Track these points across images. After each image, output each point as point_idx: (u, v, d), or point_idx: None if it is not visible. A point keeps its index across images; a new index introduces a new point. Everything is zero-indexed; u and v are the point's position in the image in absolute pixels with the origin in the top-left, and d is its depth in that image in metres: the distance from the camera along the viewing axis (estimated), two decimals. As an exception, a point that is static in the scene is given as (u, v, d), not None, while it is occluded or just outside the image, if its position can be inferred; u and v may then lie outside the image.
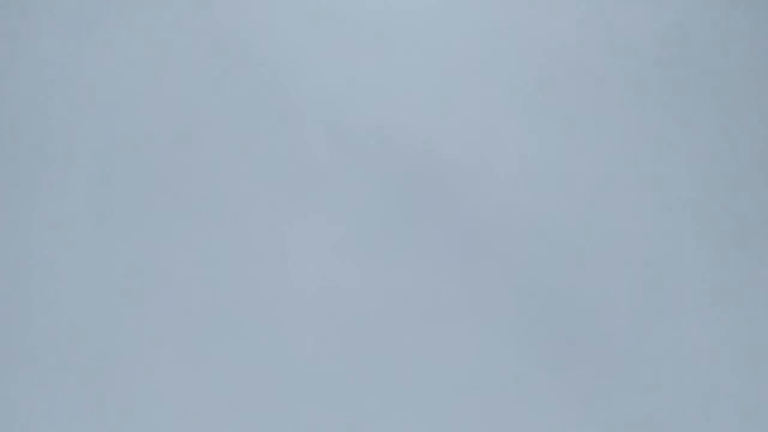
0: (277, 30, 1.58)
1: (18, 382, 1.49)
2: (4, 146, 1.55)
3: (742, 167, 1.54)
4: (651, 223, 1.53)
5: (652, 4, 1.59)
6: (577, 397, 1.48)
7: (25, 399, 1.48)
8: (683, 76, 1.57)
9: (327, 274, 1.51)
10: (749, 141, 1.55)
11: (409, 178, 1.54)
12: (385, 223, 1.52)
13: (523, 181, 1.54)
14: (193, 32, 1.58)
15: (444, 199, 1.53)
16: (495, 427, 1.46)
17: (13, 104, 1.57)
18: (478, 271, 1.51)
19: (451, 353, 1.49)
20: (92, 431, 1.47)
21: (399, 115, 1.56)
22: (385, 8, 1.59)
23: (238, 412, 1.47)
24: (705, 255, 1.51)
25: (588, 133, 1.55)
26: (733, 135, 1.55)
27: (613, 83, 1.57)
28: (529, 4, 1.59)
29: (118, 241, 1.52)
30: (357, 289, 1.51)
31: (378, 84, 1.57)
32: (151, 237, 1.52)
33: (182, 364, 1.48)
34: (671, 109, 1.56)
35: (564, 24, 1.58)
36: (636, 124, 1.56)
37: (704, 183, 1.54)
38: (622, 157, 1.55)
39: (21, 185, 1.55)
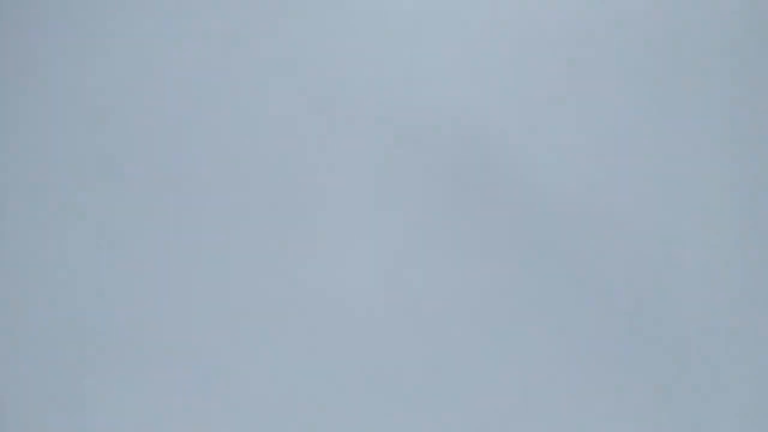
0: (326, 29, 1.57)
1: (20, 379, 1.50)
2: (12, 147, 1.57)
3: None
4: (718, 215, 1.50)
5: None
6: (655, 397, 1.46)
7: (30, 395, 1.49)
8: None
9: (387, 272, 1.50)
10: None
11: (468, 172, 1.52)
12: (445, 219, 1.51)
13: (587, 174, 1.51)
14: (241, 35, 1.58)
15: (505, 193, 1.51)
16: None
17: (14, 104, 1.59)
18: (541, 268, 1.49)
19: (517, 351, 1.48)
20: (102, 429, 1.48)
21: (457, 109, 1.54)
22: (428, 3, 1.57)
23: (307, 413, 1.47)
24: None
25: (651, 126, 1.53)
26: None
27: (672, 70, 1.54)
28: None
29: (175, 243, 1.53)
30: (418, 287, 1.49)
31: (433, 78, 1.55)
32: (227, 242, 1.52)
33: (242, 364, 1.49)
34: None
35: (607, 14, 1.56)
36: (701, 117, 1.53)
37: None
38: (690, 148, 1.52)
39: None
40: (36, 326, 1.52)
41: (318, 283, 1.51)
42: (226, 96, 1.56)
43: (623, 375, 1.46)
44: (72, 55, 1.59)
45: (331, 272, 1.51)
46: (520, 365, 1.48)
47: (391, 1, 1.57)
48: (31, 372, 1.51)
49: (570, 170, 1.52)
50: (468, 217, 1.52)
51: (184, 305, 1.51)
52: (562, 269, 1.49)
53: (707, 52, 1.53)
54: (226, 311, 1.51)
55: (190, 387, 1.49)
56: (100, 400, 1.49)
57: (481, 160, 1.53)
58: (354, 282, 1.51)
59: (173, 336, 1.50)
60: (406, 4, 1.56)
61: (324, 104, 1.55)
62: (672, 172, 1.51)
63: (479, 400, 1.47)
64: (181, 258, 1.52)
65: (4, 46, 1.59)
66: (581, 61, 1.54)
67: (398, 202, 1.52)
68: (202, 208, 1.54)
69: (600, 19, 1.55)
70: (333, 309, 1.50)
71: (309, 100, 1.55)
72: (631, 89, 1.53)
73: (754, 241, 1.49)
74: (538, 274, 1.49)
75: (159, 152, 1.56)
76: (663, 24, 1.54)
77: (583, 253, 1.50)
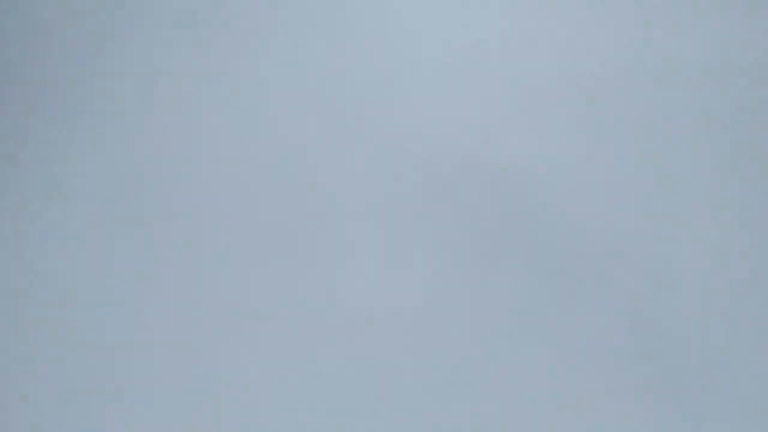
0: (356, 62, 1.58)
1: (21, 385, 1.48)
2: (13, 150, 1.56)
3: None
4: (727, 232, 1.52)
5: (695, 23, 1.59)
6: (655, 399, 1.47)
7: (30, 402, 1.48)
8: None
9: (392, 280, 1.50)
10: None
11: (498, 207, 1.53)
12: (475, 252, 1.51)
13: (614, 204, 1.53)
14: (271, 65, 1.58)
15: (531, 225, 1.52)
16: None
17: (16, 107, 1.58)
18: (541, 274, 1.50)
19: (517, 354, 1.48)
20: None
21: (484, 143, 1.55)
22: (455, 42, 1.59)
23: (311, 418, 1.48)
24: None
25: (665, 145, 1.55)
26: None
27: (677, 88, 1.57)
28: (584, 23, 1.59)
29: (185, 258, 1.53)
30: (421, 293, 1.50)
31: (460, 114, 1.56)
32: (245, 272, 1.52)
33: (243, 368, 1.49)
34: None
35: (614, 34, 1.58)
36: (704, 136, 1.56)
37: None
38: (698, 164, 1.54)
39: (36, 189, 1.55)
40: (37, 330, 1.51)
41: (322, 290, 1.51)
42: (233, 102, 1.57)
43: (623, 377, 1.47)
44: (72, 56, 1.59)
45: (336, 279, 1.51)
46: (521, 369, 1.48)
47: (409, 31, 1.59)
48: (33, 376, 1.50)
49: (570, 179, 1.54)
50: (469, 223, 1.53)
51: (185, 308, 1.51)
52: (561, 274, 1.51)
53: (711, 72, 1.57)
54: (229, 316, 1.51)
55: (190, 390, 1.48)
56: (100, 403, 1.48)
57: (484, 171, 1.55)
58: (359, 289, 1.51)
59: (174, 339, 1.50)
60: (422, 34, 1.59)
61: (341, 131, 1.56)
62: (671, 179, 1.54)
63: (480, 403, 1.47)
64: (183, 262, 1.52)
65: (4, 46, 1.59)
66: (593, 90, 1.57)
67: (401, 212, 1.53)
68: (207, 215, 1.54)
69: (616, 49, 1.58)
70: (336, 317, 1.50)
71: (323, 120, 1.56)
72: (641, 112, 1.56)
73: (753, 243, 1.51)
74: (537, 279, 1.51)
75: (163, 156, 1.56)
76: (675, 52, 1.57)
77: (583, 257, 1.51)
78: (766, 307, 1.49)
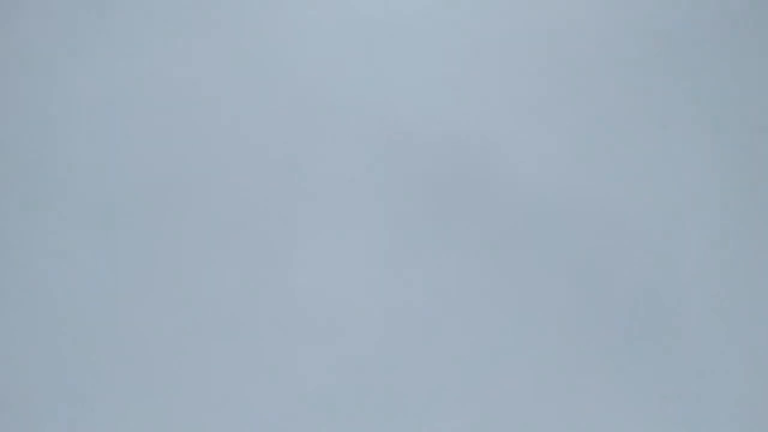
0: (319, 36, 1.58)
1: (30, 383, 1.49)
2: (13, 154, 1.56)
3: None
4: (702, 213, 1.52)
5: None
6: (653, 395, 1.47)
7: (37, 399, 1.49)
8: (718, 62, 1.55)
9: (368, 279, 1.50)
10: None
11: (441, 176, 1.53)
12: (420, 224, 1.52)
13: (572, 178, 1.52)
14: (234, 43, 1.58)
15: (478, 196, 1.52)
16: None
17: (14, 106, 1.58)
18: (519, 268, 1.50)
19: (500, 351, 1.49)
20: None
21: (428, 114, 1.55)
22: (410, 11, 1.58)
23: (299, 416, 1.48)
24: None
25: (620, 127, 1.54)
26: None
27: (653, 72, 1.55)
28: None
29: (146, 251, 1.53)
30: (398, 293, 1.50)
31: (404, 84, 1.56)
32: (199, 255, 1.52)
33: (232, 367, 1.49)
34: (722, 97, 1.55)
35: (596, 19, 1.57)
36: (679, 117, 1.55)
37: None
38: (659, 147, 1.54)
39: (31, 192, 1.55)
40: (36, 329, 1.51)
41: (307, 286, 1.50)
42: (216, 100, 1.56)
43: (621, 374, 1.47)
44: (71, 56, 1.58)
45: (320, 275, 1.51)
46: (517, 365, 1.48)
47: (383, 10, 1.58)
48: (31, 374, 1.50)
49: (562, 170, 1.53)
50: (458, 217, 1.52)
51: (174, 307, 1.50)
52: (557, 269, 1.50)
53: (701, 50, 1.55)
54: (217, 314, 1.50)
55: (184, 390, 1.48)
56: (97, 406, 1.49)
57: (471, 161, 1.54)
58: (344, 285, 1.51)
59: (166, 340, 1.49)
60: (396, 13, 1.57)
61: (312, 110, 1.55)
62: (667, 171, 1.53)
63: (474, 400, 1.47)
64: (171, 261, 1.52)
65: (4, 47, 1.59)
66: (569, 63, 1.55)
67: (387, 205, 1.53)
68: (194, 214, 1.53)
69: (587, 23, 1.56)
70: (322, 312, 1.50)
71: (298, 104, 1.56)
72: (625, 90, 1.55)
73: (752, 239, 1.51)
74: (534, 274, 1.51)
75: (152, 156, 1.55)
76: (655, 23, 1.56)
77: (580, 251, 1.51)
78: (761, 289, 1.48)
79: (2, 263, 1.53)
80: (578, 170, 1.53)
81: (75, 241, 1.53)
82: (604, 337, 1.48)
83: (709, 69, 1.55)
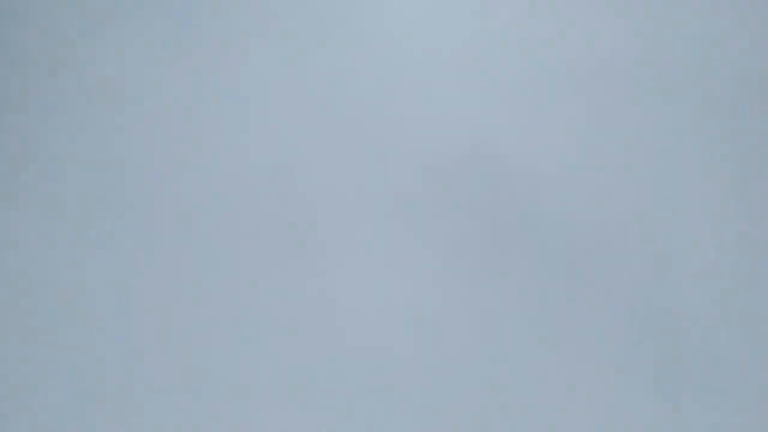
0: (360, 60, 1.57)
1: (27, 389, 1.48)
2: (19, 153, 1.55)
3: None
4: (725, 221, 1.52)
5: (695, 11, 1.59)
6: (655, 395, 1.47)
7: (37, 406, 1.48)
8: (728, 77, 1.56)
9: (420, 302, 1.50)
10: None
11: (498, 203, 1.53)
12: (477, 248, 1.51)
13: (614, 199, 1.53)
14: (262, 60, 1.57)
15: (532, 221, 1.52)
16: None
17: (15, 106, 1.57)
18: (523, 268, 1.50)
19: (503, 350, 1.49)
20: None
21: (486, 139, 1.55)
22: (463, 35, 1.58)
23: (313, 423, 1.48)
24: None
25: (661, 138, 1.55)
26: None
27: (673, 84, 1.56)
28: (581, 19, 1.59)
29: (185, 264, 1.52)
30: (451, 317, 1.50)
31: (463, 110, 1.56)
32: (242, 270, 1.52)
33: (245, 374, 1.49)
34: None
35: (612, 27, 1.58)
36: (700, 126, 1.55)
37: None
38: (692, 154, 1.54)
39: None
40: (36, 328, 1.51)
41: (316, 288, 1.51)
42: (224, 102, 1.56)
43: (624, 375, 1.48)
44: (70, 57, 1.57)
45: (338, 287, 1.51)
46: (519, 364, 1.49)
47: (408, 29, 1.58)
48: (32, 379, 1.49)
49: (569, 172, 1.54)
50: (472, 224, 1.53)
51: (185, 314, 1.51)
52: (563, 271, 1.51)
53: (701, 49, 1.56)
54: (231, 322, 1.50)
55: (187, 390, 1.48)
56: (98, 405, 1.48)
57: (481, 164, 1.54)
58: (362, 296, 1.51)
59: (170, 340, 1.50)
60: (421, 32, 1.58)
61: (319, 114, 1.55)
62: (670, 169, 1.54)
63: (482, 401, 1.48)
64: (183, 268, 1.52)
65: (4, 47, 1.58)
66: (578, 69, 1.56)
67: (405, 217, 1.53)
68: (199, 214, 1.53)
69: (595, 28, 1.57)
70: (330, 314, 1.50)
71: (304, 109, 1.56)
72: (641, 104, 1.56)
73: (755, 237, 1.51)
74: (540, 278, 1.51)
75: (162, 161, 1.55)
76: (659, 23, 1.57)
77: (586, 254, 1.51)
78: (764, 294, 1.49)
79: (2, 263, 1.52)
80: (589, 173, 1.53)
81: (75, 241, 1.52)
82: (605, 336, 1.48)
83: (711, 68, 1.56)
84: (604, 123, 1.55)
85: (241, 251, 1.52)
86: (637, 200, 1.53)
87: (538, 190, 1.52)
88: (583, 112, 1.55)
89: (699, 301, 1.49)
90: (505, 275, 1.50)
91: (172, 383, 1.48)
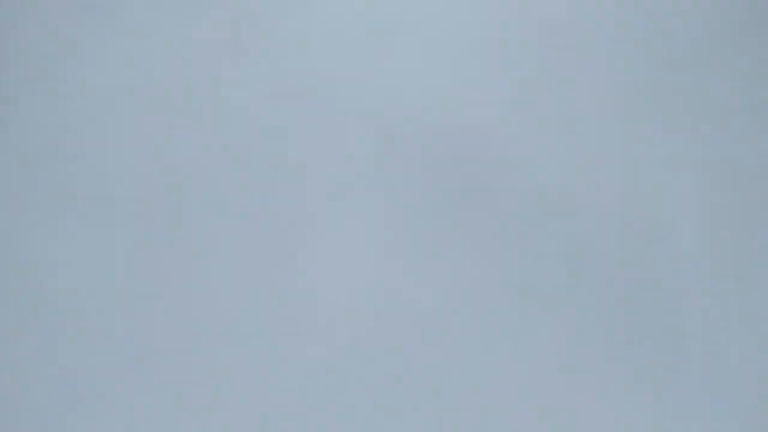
0: (315, 30, 1.57)
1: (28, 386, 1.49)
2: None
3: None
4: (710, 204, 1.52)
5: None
6: (653, 393, 1.47)
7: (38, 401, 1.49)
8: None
9: (375, 274, 1.50)
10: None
11: (454, 173, 1.53)
12: (432, 219, 1.52)
13: (570, 169, 1.52)
14: (230, 40, 1.58)
15: (490, 193, 1.52)
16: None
17: (13, 107, 1.58)
18: (534, 264, 1.50)
19: (502, 343, 1.48)
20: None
21: (442, 111, 1.54)
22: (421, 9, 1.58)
23: (300, 417, 1.48)
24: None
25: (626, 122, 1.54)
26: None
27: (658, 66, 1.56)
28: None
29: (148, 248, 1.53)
30: (407, 288, 1.50)
31: (419, 81, 1.56)
32: (193, 242, 1.52)
33: (233, 369, 1.49)
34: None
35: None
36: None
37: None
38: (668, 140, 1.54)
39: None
40: (36, 329, 1.51)
41: (305, 284, 1.50)
42: (213, 97, 1.56)
43: (624, 366, 1.48)
44: (67, 57, 1.58)
45: (324, 271, 1.51)
46: (515, 361, 1.48)
47: (382, 3, 1.58)
48: (31, 379, 1.50)
49: (561, 164, 1.53)
50: (457, 212, 1.53)
51: (172, 307, 1.51)
52: (555, 264, 1.51)
53: (700, 47, 1.56)
54: (217, 314, 1.50)
55: (181, 391, 1.49)
56: (98, 407, 1.49)
57: (470, 156, 1.54)
58: (344, 281, 1.51)
59: (161, 340, 1.50)
60: (396, 6, 1.57)
61: (310, 103, 1.55)
62: (668, 159, 1.53)
63: (472, 397, 1.48)
64: (168, 261, 1.52)
65: (3, 46, 1.59)
66: (568, 57, 1.56)
67: (387, 201, 1.53)
68: (193, 211, 1.54)
69: (588, 20, 1.57)
70: (322, 309, 1.50)
71: (296, 99, 1.56)
72: (624, 88, 1.55)
73: (753, 228, 1.51)
74: (531, 271, 1.51)
75: (149, 155, 1.55)
76: (655, 20, 1.56)
77: (577, 247, 1.51)
78: (763, 278, 1.48)
79: (2, 263, 1.53)
80: (582, 162, 1.53)
81: (76, 241, 1.53)
82: (605, 329, 1.49)
83: (709, 65, 1.55)
84: (590, 104, 1.55)
85: (218, 246, 1.52)
86: (623, 180, 1.53)
87: (524, 173, 1.53)
88: (568, 95, 1.55)
89: (699, 291, 1.50)
90: (496, 260, 1.50)
91: (170, 383, 1.49)
